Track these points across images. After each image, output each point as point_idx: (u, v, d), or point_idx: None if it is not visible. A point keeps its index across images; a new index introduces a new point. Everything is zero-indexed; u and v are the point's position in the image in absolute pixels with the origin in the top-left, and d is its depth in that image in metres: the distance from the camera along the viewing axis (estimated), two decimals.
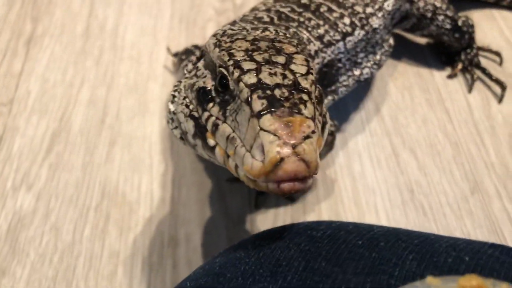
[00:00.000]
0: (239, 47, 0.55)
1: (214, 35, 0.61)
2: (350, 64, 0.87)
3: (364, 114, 1.05)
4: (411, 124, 1.02)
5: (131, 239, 0.81)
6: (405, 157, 0.96)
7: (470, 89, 1.11)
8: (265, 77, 0.50)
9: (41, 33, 1.15)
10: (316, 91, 0.54)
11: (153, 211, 0.84)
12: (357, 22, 0.85)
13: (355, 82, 0.90)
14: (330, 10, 0.84)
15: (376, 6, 0.89)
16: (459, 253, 0.44)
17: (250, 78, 0.50)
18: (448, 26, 1.07)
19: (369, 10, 0.88)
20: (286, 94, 0.48)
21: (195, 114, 0.57)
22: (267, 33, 0.63)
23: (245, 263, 0.46)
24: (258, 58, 0.53)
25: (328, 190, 0.90)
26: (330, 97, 0.87)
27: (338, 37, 0.82)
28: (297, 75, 0.51)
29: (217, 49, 0.57)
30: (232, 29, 0.64)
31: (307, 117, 0.47)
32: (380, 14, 0.89)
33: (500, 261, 0.43)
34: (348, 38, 0.84)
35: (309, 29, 0.81)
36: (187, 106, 0.59)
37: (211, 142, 0.54)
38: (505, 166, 0.96)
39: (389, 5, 0.92)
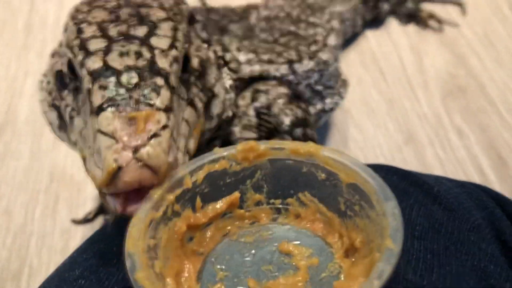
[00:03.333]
0: (94, 18, 0.46)
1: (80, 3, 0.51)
2: (311, 93, 0.82)
3: None
4: None
5: (81, 216, 0.84)
6: (340, 117, 1.01)
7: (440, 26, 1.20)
8: (113, 59, 0.42)
9: None
10: (195, 61, 0.48)
11: None
12: (303, 55, 0.81)
13: (318, 112, 0.84)
14: (272, 48, 0.79)
15: (320, 44, 0.86)
16: None
17: (95, 63, 0.42)
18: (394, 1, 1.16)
19: (313, 48, 0.85)
20: (136, 79, 0.40)
21: (57, 103, 0.49)
22: None
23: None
24: (113, 32, 0.44)
25: None
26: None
27: (281, 60, 0.76)
28: (156, 51, 0.43)
29: (70, 22, 0.47)
30: None
31: (158, 109, 0.39)
32: (326, 50, 0.86)
33: None
34: (296, 65, 0.78)
35: (240, 44, 0.74)
36: (50, 93, 0.50)
37: (72, 137, 0.46)
38: (438, 116, 1.02)
39: (332, 40, 0.90)
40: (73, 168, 0.91)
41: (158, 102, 0.40)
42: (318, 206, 0.43)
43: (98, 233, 0.49)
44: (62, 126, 0.49)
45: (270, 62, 0.74)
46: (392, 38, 1.18)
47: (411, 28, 1.20)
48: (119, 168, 0.37)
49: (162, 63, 0.42)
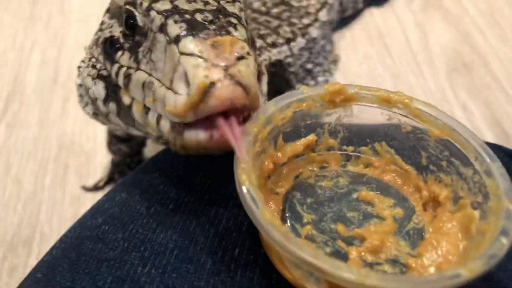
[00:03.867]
0: None
1: None
2: (304, 72, 0.85)
3: None
4: (352, 61, 1.08)
5: (91, 184, 0.85)
6: None
7: None
8: (181, 3, 0.41)
9: None
10: (248, 33, 0.45)
11: (109, 157, 0.88)
12: (296, 31, 0.83)
13: None
14: (267, 21, 0.82)
15: (312, 18, 0.87)
16: None
17: (163, 5, 0.41)
18: None
19: (305, 21, 0.86)
20: (210, 17, 0.40)
21: (104, 72, 0.48)
22: None
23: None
24: None
25: None
26: None
27: (281, 40, 0.78)
28: (222, 1, 0.43)
29: None
30: None
31: (239, 39, 0.38)
32: (317, 25, 0.88)
33: None
34: (292, 44, 0.80)
35: (249, 29, 0.76)
36: (93, 67, 0.49)
37: (127, 99, 0.44)
38: (442, 91, 1.03)
39: (323, 15, 0.90)
40: (81, 137, 0.91)
41: (238, 34, 0.39)
42: (393, 158, 0.42)
43: (119, 186, 0.50)
44: (109, 96, 0.47)
45: (273, 45, 0.75)
46: (397, 15, 1.19)
47: (416, 4, 1.21)
48: (211, 85, 0.35)
49: (232, 8, 0.42)
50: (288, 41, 0.79)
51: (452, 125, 0.39)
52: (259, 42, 0.72)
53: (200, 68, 0.36)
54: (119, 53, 0.45)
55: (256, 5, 0.87)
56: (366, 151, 0.43)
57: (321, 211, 0.39)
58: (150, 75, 0.41)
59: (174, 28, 0.39)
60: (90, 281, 0.39)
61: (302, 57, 0.82)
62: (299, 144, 0.42)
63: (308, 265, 0.30)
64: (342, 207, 0.40)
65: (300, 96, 0.41)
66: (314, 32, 0.85)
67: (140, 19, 0.43)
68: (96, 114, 0.54)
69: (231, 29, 0.39)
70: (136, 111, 0.43)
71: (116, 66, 0.45)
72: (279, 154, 0.41)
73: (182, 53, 0.37)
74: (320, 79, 0.87)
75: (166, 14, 0.40)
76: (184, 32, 0.38)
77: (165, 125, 0.39)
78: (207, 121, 0.37)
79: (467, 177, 0.37)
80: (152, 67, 0.41)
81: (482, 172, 0.36)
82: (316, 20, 0.87)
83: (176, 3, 0.41)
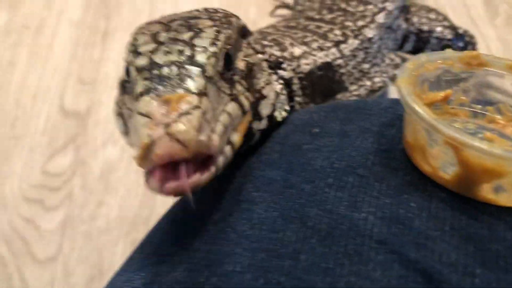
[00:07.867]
0: (149, 30, 0.49)
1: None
2: (359, 73, 0.84)
3: None
4: None
5: None
6: None
7: None
8: (158, 57, 0.45)
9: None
10: (242, 63, 0.51)
11: None
12: (349, 33, 0.84)
13: (368, 92, 0.85)
14: (318, 27, 0.84)
15: (368, 19, 0.89)
16: None
17: (141, 60, 0.45)
18: (449, 36, 1.01)
19: (360, 23, 0.87)
20: (175, 71, 0.44)
21: (120, 110, 0.51)
22: (194, 13, 0.54)
23: None
24: (162, 38, 0.47)
25: None
26: None
27: (329, 44, 0.80)
28: (197, 48, 0.46)
29: (130, 37, 0.50)
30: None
31: (191, 92, 0.42)
32: (373, 26, 0.88)
33: None
34: (342, 45, 0.81)
35: (294, 37, 0.78)
36: (117, 104, 0.53)
37: (129, 139, 0.49)
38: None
39: (380, 17, 0.90)
40: None
41: (192, 86, 0.43)
42: None
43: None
44: (127, 131, 0.51)
45: (320, 49, 0.78)
46: None
47: None
48: (152, 144, 0.39)
49: (201, 57, 0.46)
50: (338, 43, 0.81)
51: None
52: (302, 48, 0.76)
53: (145, 127, 0.40)
54: (126, 96, 0.49)
55: (310, 13, 0.92)
56: (492, 110, 0.49)
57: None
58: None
59: (139, 86, 0.43)
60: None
61: (357, 58, 0.83)
62: (439, 95, 0.49)
63: (449, 137, 0.39)
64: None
65: (446, 55, 0.49)
66: (369, 32, 0.86)
67: (130, 70, 0.47)
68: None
69: (188, 81, 0.43)
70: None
71: (124, 107, 0.49)
72: (423, 96, 0.48)
73: (137, 112, 0.41)
74: (377, 79, 0.86)
75: (139, 71, 0.45)
76: (145, 91, 0.42)
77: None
78: (164, 169, 0.41)
79: None
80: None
81: None
82: (372, 21, 0.87)
83: (153, 56, 0.45)
